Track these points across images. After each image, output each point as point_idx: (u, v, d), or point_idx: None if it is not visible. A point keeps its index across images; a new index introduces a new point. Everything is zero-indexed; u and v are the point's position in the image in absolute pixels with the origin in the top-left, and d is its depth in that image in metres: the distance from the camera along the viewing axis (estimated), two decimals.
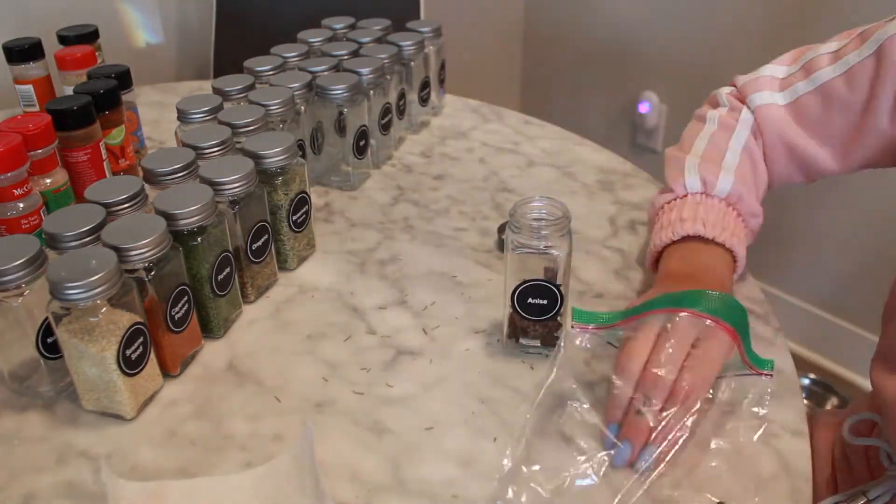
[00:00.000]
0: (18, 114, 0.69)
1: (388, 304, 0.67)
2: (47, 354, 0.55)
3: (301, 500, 0.48)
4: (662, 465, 0.50)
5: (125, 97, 0.82)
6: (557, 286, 0.56)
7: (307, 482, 0.48)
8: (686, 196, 0.66)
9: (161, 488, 0.49)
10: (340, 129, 0.83)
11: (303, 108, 0.81)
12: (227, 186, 0.61)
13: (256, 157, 0.65)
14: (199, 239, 0.58)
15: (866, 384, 0.60)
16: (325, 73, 0.84)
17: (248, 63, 0.85)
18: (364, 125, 0.84)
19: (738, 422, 0.53)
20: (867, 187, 1.46)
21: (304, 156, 0.79)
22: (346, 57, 0.88)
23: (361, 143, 0.85)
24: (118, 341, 0.52)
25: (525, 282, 0.56)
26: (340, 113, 0.82)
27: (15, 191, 0.63)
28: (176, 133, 0.74)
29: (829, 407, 1.62)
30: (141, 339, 0.54)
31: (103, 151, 0.74)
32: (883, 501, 0.57)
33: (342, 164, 0.86)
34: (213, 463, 0.52)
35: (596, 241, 0.75)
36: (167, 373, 0.59)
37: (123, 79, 0.82)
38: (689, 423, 0.51)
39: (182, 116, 0.73)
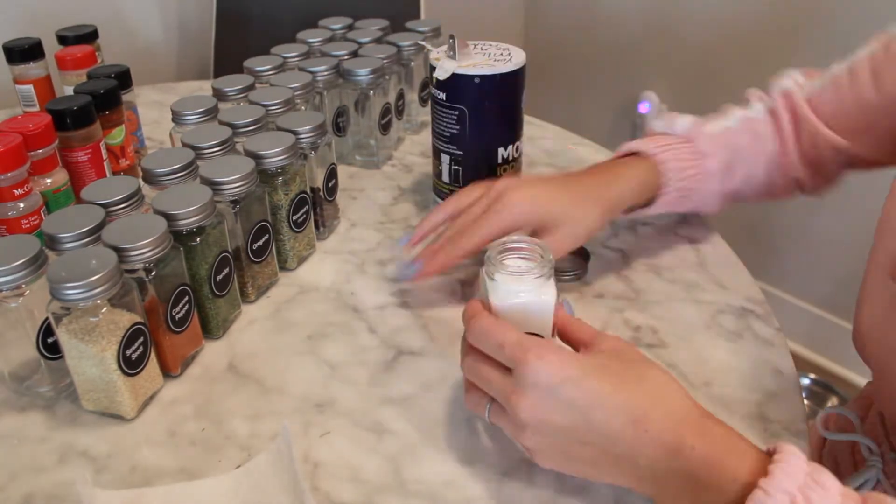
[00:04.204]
0: (18, 114, 0.70)
1: (388, 304, 0.67)
2: (47, 354, 0.55)
3: (281, 499, 0.48)
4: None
5: (125, 97, 0.82)
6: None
7: (286, 481, 0.48)
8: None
9: (139, 496, 0.49)
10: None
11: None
12: (227, 186, 0.61)
13: (256, 157, 0.65)
14: (197, 239, 0.58)
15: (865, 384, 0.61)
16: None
17: (248, 63, 0.85)
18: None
19: None
20: (867, 187, 1.46)
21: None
22: (346, 57, 0.88)
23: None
24: (118, 341, 0.52)
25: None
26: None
27: (15, 191, 0.63)
28: (171, 134, 0.74)
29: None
30: (141, 340, 0.54)
31: (103, 151, 0.74)
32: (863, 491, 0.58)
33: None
34: (213, 463, 0.52)
35: (596, 241, 0.75)
36: (168, 373, 0.59)
37: (123, 79, 0.82)
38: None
39: (176, 118, 0.73)
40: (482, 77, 0.72)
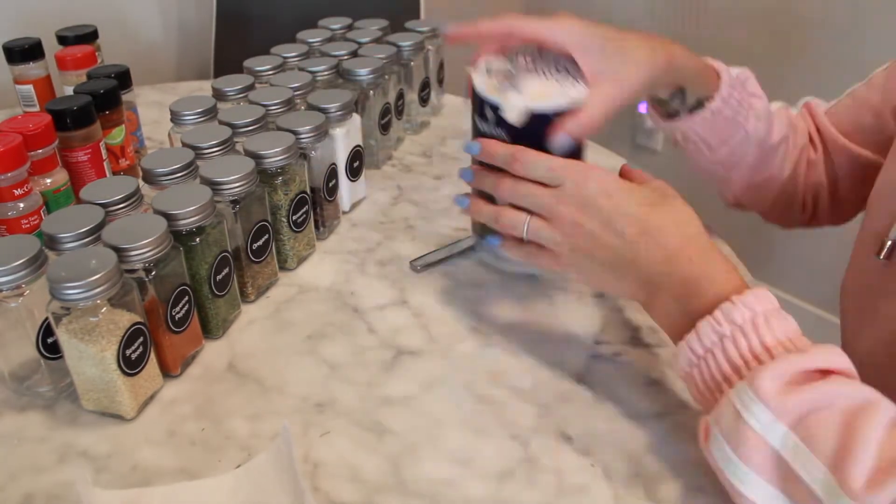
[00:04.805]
0: (18, 114, 0.70)
1: (388, 304, 0.67)
2: (47, 354, 0.55)
3: (281, 499, 0.48)
4: None
5: (125, 97, 0.82)
6: None
7: (286, 481, 0.48)
8: None
9: (138, 496, 0.49)
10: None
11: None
12: (227, 186, 0.61)
13: (256, 157, 0.65)
14: (197, 239, 0.58)
15: None
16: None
17: (248, 63, 0.85)
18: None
19: None
20: None
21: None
22: (345, 57, 0.88)
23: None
24: (118, 341, 0.52)
25: None
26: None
27: (15, 191, 0.63)
28: (169, 134, 0.74)
29: None
30: (141, 339, 0.54)
31: (103, 151, 0.74)
32: None
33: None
34: (213, 463, 0.52)
35: None
36: (167, 373, 0.59)
37: (123, 79, 0.82)
38: None
39: (175, 118, 0.73)
40: (559, 112, 0.55)
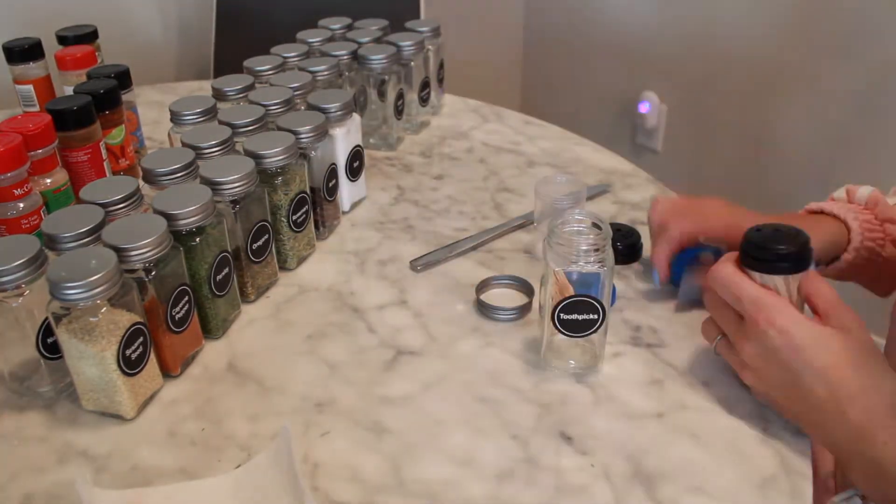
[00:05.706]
0: (18, 114, 0.70)
1: (387, 304, 0.67)
2: (47, 354, 0.55)
3: (281, 499, 0.48)
4: None
5: (125, 97, 0.82)
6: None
7: (286, 481, 0.48)
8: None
9: (138, 496, 0.49)
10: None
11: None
12: (227, 186, 0.61)
13: (256, 157, 0.65)
14: (197, 239, 0.58)
15: None
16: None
17: (248, 63, 0.85)
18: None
19: None
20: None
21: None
22: (345, 57, 0.88)
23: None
24: (118, 341, 0.52)
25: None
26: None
27: (15, 191, 0.63)
28: (169, 134, 0.74)
29: None
30: (141, 339, 0.54)
31: (103, 151, 0.74)
32: None
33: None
34: (213, 463, 0.52)
35: None
36: (167, 373, 0.59)
37: (123, 79, 0.82)
38: None
39: (175, 118, 0.73)
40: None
